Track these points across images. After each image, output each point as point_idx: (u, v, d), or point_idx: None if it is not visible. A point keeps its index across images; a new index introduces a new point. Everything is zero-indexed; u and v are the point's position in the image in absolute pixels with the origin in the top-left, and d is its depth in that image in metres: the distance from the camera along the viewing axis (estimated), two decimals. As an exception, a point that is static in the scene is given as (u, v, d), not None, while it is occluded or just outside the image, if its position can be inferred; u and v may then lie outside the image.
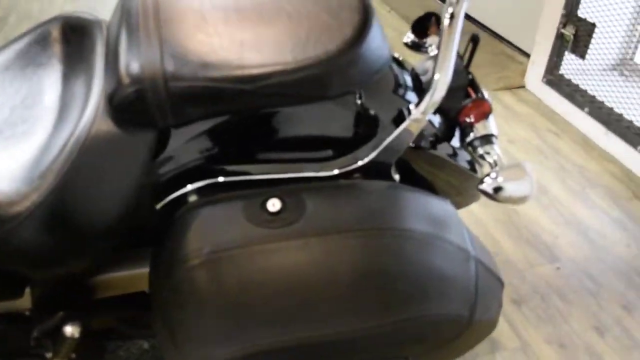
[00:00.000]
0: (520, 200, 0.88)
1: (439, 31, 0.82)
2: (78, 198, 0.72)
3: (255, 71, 0.69)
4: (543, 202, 1.83)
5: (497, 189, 0.86)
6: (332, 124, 0.86)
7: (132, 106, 0.70)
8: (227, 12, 0.77)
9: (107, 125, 0.72)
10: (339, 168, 0.84)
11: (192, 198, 0.82)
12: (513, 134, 2.14)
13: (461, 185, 1.06)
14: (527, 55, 2.47)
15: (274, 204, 0.75)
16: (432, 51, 1.00)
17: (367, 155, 0.83)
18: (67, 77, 0.83)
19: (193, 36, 0.73)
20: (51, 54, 0.86)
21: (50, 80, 0.83)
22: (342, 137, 0.87)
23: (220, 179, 0.83)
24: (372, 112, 0.85)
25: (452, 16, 0.71)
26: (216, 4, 0.78)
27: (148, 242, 0.85)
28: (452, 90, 0.85)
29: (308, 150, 0.86)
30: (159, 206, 0.82)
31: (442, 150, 0.96)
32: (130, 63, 0.70)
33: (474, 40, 0.85)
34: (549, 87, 2.26)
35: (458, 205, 1.19)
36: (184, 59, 0.70)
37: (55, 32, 0.88)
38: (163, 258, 0.78)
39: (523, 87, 2.42)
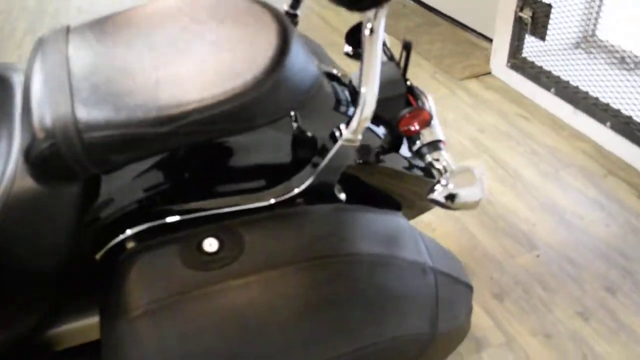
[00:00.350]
0: (473, 205, 0.85)
1: None
2: (7, 259, 0.69)
3: (172, 111, 0.66)
4: (517, 189, 1.81)
5: (450, 197, 0.84)
6: (270, 150, 0.83)
7: (49, 162, 0.66)
8: (139, 47, 0.74)
9: (28, 182, 0.69)
10: (277, 196, 0.81)
11: (131, 244, 0.79)
12: (482, 122, 2.12)
13: (421, 191, 1.04)
14: (491, 41, 2.45)
15: (210, 244, 0.72)
16: None
17: (304, 181, 0.81)
18: None
19: (105, 79, 0.69)
20: None
21: None
22: (281, 163, 0.84)
23: (167, 219, 0.80)
24: (309, 133, 0.82)
25: (371, 31, 0.68)
26: (129, 41, 0.75)
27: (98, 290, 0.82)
28: (390, 100, 0.83)
29: (248, 180, 0.83)
30: (98, 256, 0.79)
31: (393, 160, 0.94)
32: (42, 116, 0.66)
33: (407, 47, 0.83)
34: (514, 71, 2.25)
35: (424, 209, 1.17)
36: (96, 105, 0.66)
37: None
38: (107, 309, 0.75)
39: (489, 73, 2.40)
